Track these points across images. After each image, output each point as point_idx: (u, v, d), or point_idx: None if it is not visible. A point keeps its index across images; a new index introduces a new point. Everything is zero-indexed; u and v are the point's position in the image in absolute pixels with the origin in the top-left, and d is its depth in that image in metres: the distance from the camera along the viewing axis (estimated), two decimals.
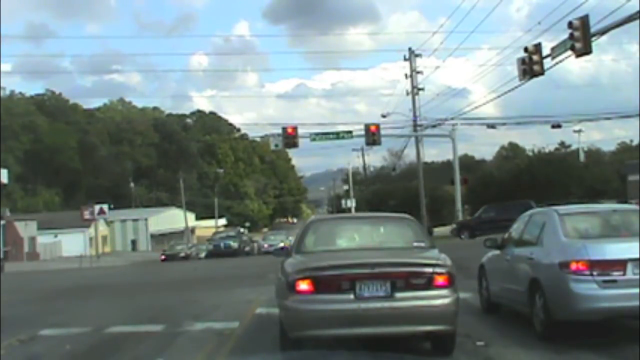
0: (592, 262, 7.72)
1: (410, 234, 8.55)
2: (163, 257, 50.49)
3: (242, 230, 61.22)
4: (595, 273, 7.69)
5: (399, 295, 7.13)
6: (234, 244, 46.45)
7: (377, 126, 37.92)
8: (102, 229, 69.23)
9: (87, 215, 50.73)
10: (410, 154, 57.83)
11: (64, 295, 18.16)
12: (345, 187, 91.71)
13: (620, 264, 7.69)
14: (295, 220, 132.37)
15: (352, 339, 7.13)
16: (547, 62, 21.97)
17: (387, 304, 7.10)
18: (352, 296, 7.13)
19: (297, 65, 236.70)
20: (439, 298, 7.19)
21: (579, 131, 63.28)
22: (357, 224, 9.56)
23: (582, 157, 61.50)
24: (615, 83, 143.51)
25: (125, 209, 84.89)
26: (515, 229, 10.13)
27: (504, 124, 50.88)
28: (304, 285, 7.17)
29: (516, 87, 28.20)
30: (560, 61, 21.59)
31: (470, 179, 45.61)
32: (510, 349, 8.09)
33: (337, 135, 39.31)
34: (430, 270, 7.29)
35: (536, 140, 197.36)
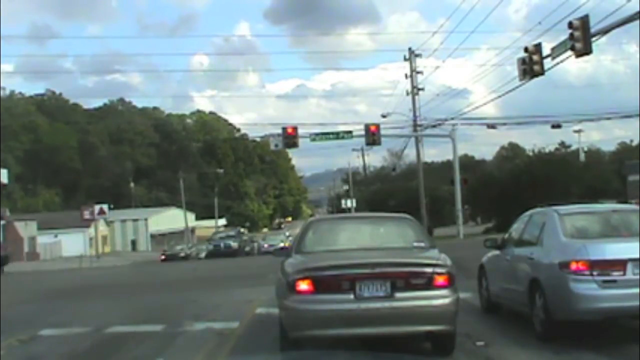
0: (592, 262, 7.71)
1: (410, 234, 8.54)
2: (163, 257, 50.53)
3: (242, 230, 61.20)
4: (595, 273, 7.68)
5: (399, 295, 7.13)
6: (234, 244, 46.45)
7: (377, 126, 37.94)
8: (102, 229, 69.24)
9: (87, 215, 50.80)
10: (410, 154, 57.96)
11: (64, 295, 18.15)
12: (345, 187, 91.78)
13: (620, 264, 7.68)
14: (288, 220, 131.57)
15: (352, 339, 7.12)
16: (547, 63, 21.96)
17: (387, 304, 7.09)
18: (352, 296, 7.13)
19: (298, 65, 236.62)
20: (439, 298, 7.18)
21: (579, 131, 63.36)
22: (357, 224, 9.55)
23: (582, 157, 61.50)
24: (615, 83, 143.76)
25: (125, 209, 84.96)
26: (515, 229, 10.12)
27: (504, 124, 51.01)
28: (304, 285, 7.17)
29: (516, 88, 28.26)
30: (561, 61, 21.59)
31: (470, 179, 45.57)
32: (510, 349, 8.09)
33: (337, 135, 39.33)
34: (430, 270, 7.29)
35: (536, 140, 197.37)
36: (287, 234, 55.18)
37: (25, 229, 61.99)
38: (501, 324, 9.81)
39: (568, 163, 49.25)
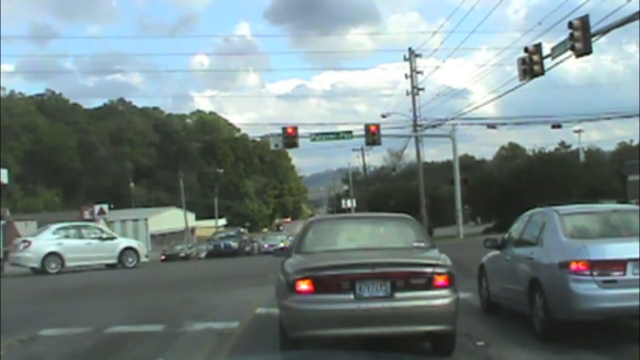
0: (592, 262, 7.72)
1: (410, 234, 8.55)
2: (163, 257, 50.50)
3: (242, 230, 61.18)
4: (595, 273, 7.69)
5: (398, 295, 7.13)
6: (234, 244, 46.38)
7: (377, 126, 37.96)
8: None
9: (87, 215, 50.87)
10: (410, 154, 57.86)
11: (64, 295, 18.12)
12: (345, 187, 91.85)
13: (620, 264, 7.68)
14: (287, 220, 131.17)
15: (352, 339, 7.12)
16: (547, 63, 22.00)
17: (387, 304, 7.09)
18: (352, 296, 7.13)
19: (298, 65, 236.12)
20: (439, 298, 7.18)
21: (579, 131, 63.36)
22: (357, 224, 9.55)
23: (582, 157, 61.50)
24: (615, 83, 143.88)
25: (125, 209, 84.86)
26: (515, 229, 10.13)
27: (504, 124, 51.08)
28: (304, 286, 7.17)
29: (516, 88, 28.29)
30: (561, 61, 21.65)
31: (470, 179, 45.57)
32: (510, 349, 8.09)
33: (337, 135, 39.34)
34: (430, 270, 7.29)
35: (536, 140, 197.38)
36: (287, 234, 55.21)
37: (26, 229, 61.76)
38: (501, 324, 9.81)
39: (568, 163, 49.23)
